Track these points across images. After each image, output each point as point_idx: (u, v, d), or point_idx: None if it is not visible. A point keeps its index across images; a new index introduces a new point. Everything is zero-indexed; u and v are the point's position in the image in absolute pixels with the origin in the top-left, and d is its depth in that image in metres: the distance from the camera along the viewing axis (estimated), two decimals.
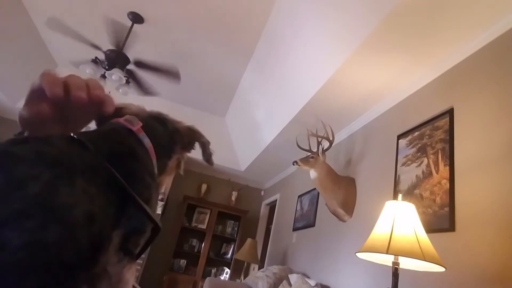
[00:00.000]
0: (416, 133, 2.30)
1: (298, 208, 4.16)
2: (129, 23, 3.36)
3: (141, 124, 0.52)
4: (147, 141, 0.51)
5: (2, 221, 0.28)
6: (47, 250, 0.29)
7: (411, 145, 2.32)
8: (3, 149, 0.34)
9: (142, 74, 3.51)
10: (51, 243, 0.29)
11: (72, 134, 0.44)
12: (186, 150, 0.67)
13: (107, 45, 3.23)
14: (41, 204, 0.30)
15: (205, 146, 0.69)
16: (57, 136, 0.39)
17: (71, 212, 0.32)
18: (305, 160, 2.90)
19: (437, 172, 2.00)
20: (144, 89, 3.68)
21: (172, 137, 0.61)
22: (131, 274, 0.41)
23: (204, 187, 5.88)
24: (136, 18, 3.35)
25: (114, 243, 0.36)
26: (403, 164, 2.34)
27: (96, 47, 3.21)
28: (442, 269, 1.37)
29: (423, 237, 1.43)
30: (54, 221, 0.30)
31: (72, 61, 3.38)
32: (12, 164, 0.32)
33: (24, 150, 0.34)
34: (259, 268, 4.58)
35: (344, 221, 2.91)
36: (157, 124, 0.59)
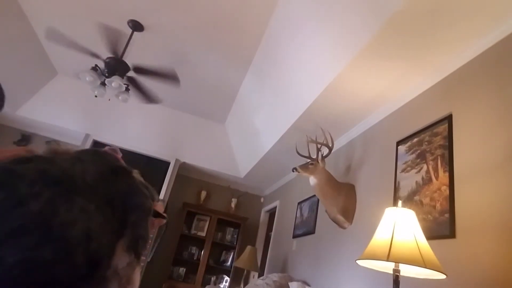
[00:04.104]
0: (415, 139, 2.31)
1: (298, 215, 4.14)
2: (129, 31, 3.39)
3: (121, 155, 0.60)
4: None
5: (0, 238, 0.29)
6: (41, 268, 0.30)
7: (411, 151, 2.32)
8: (5, 166, 0.35)
9: (143, 80, 3.52)
10: (46, 261, 0.30)
11: (75, 155, 0.45)
12: None
13: (107, 53, 3.25)
14: (40, 222, 0.31)
15: None
16: (62, 155, 0.41)
17: (69, 230, 0.32)
18: (304, 167, 2.89)
19: (436, 179, 2.00)
20: (147, 97, 3.70)
21: None
22: (138, 275, 0.43)
23: (203, 194, 5.86)
24: (136, 26, 3.37)
25: (123, 245, 0.38)
26: (403, 171, 2.34)
27: (95, 56, 3.23)
28: (443, 277, 1.36)
29: (424, 244, 1.42)
30: (51, 239, 0.31)
31: (72, 69, 3.39)
32: (13, 182, 0.33)
33: (26, 169, 0.35)
34: (259, 276, 4.54)
35: (344, 228, 2.90)
36: None
